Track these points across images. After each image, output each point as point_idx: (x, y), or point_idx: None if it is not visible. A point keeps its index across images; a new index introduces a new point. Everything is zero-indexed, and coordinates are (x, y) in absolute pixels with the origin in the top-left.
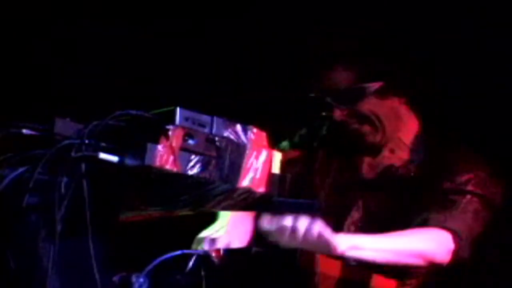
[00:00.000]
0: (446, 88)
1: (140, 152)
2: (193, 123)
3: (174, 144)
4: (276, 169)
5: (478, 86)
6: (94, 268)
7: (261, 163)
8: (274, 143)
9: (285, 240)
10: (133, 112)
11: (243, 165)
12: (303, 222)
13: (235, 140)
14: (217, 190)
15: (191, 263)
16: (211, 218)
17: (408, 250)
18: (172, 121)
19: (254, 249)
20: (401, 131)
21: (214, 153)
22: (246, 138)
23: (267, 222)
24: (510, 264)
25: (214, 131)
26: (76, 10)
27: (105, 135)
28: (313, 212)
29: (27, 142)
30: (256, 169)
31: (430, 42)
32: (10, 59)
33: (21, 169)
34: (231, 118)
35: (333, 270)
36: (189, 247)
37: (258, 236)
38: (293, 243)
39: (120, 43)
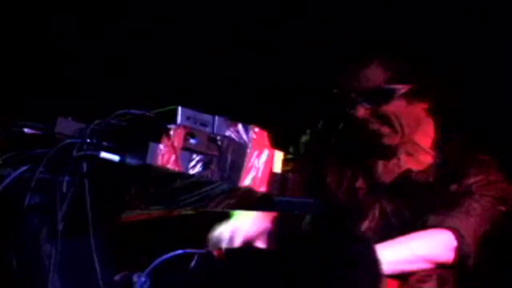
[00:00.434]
0: (467, 96)
1: (142, 151)
2: (195, 122)
3: (175, 144)
4: (277, 168)
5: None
6: (95, 268)
7: (263, 162)
8: (294, 139)
9: None
10: (135, 111)
11: (245, 164)
12: None
13: (237, 139)
14: (218, 189)
15: (193, 263)
16: (213, 218)
17: (410, 258)
18: (173, 120)
19: (255, 248)
20: (418, 135)
21: (215, 153)
22: (248, 137)
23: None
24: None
25: (215, 130)
26: (74, 8)
27: (106, 134)
28: (315, 211)
29: (29, 141)
30: (258, 169)
31: (462, 56)
32: (10, 58)
33: (22, 168)
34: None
35: None
36: (190, 247)
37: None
38: None
39: (121, 42)
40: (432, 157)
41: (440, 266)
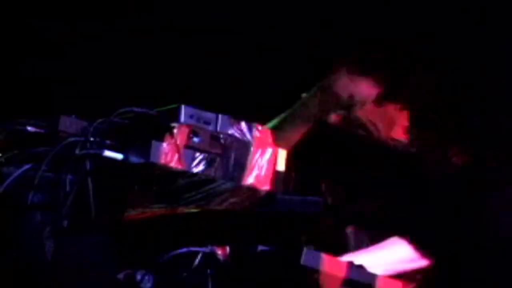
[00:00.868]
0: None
1: (145, 149)
2: (198, 120)
3: (178, 142)
4: (281, 166)
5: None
6: (99, 265)
7: (266, 160)
8: None
9: None
10: (138, 109)
11: (248, 162)
12: None
13: (240, 137)
14: (221, 188)
15: (197, 261)
16: (217, 216)
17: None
18: (176, 118)
19: (260, 247)
20: (394, 130)
21: (219, 151)
22: (251, 135)
23: None
24: None
25: (219, 128)
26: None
27: (109, 132)
28: (317, 209)
29: (32, 139)
30: (261, 167)
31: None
32: (12, 57)
33: (25, 167)
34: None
35: (338, 270)
36: (194, 245)
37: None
38: None
39: (123, 41)
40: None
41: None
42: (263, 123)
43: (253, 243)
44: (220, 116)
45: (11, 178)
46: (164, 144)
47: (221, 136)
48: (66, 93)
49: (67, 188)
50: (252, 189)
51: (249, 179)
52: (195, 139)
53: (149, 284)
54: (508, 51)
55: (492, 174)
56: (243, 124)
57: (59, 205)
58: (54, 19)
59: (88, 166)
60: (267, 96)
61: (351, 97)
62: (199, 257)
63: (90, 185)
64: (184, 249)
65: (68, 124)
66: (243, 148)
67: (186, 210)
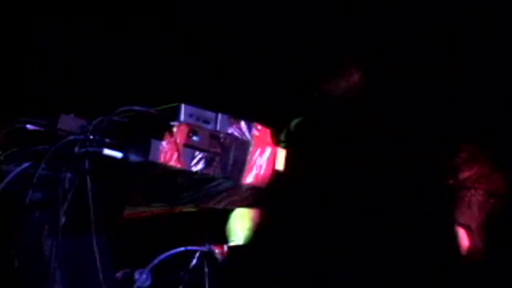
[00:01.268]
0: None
1: (144, 148)
2: (197, 119)
3: (178, 141)
4: (280, 166)
5: None
6: (97, 264)
7: (265, 160)
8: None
9: None
10: (138, 108)
11: (247, 161)
12: None
13: (240, 136)
14: (220, 186)
15: (194, 260)
16: (216, 215)
17: None
18: (176, 117)
19: (257, 246)
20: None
21: (218, 150)
22: (250, 134)
23: None
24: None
25: (218, 127)
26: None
27: (109, 131)
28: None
29: (31, 137)
30: (260, 166)
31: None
32: (14, 55)
33: (25, 165)
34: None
35: None
36: (192, 244)
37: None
38: None
39: (123, 40)
40: None
41: None
42: (263, 122)
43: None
44: (219, 115)
45: (10, 176)
46: (164, 143)
47: (221, 135)
48: (65, 92)
49: (66, 186)
50: (251, 188)
51: (248, 178)
52: (195, 138)
53: (147, 283)
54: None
55: None
56: (243, 123)
57: (58, 203)
58: (55, 18)
59: (87, 165)
60: (268, 96)
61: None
62: (196, 255)
63: (89, 184)
64: (182, 248)
65: (68, 122)
66: (242, 147)
67: (184, 209)
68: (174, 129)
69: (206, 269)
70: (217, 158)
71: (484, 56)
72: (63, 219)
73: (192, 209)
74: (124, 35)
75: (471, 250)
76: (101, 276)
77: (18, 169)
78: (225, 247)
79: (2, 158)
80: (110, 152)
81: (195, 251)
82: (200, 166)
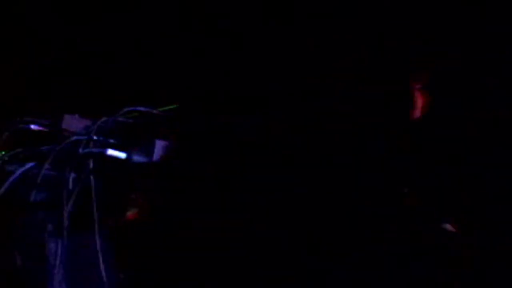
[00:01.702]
0: None
1: (148, 148)
2: None
3: None
4: None
5: None
6: (100, 264)
7: None
8: None
9: None
10: (142, 109)
11: None
12: None
13: None
14: None
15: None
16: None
17: None
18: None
19: None
20: None
21: None
22: None
23: None
24: None
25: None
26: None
27: (113, 131)
28: None
29: (35, 137)
30: None
31: None
32: (18, 55)
33: (29, 165)
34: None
35: None
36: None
37: None
38: None
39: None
40: None
41: None
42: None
43: None
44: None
45: (14, 176)
46: (168, 144)
47: None
48: (69, 92)
49: (70, 187)
50: None
51: None
52: None
53: None
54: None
55: None
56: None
57: (61, 204)
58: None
59: (91, 165)
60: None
61: None
62: None
63: (93, 184)
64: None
65: (72, 122)
66: None
67: None
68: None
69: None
70: None
71: None
72: (66, 220)
73: None
74: (127, 34)
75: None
76: (103, 276)
77: (22, 169)
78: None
79: (6, 158)
80: (113, 152)
81: None
82: None
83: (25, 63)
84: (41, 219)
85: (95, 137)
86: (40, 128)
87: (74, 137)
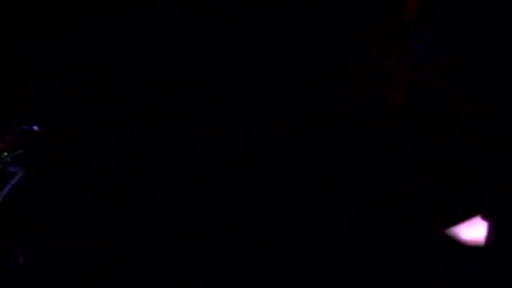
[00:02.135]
0: None
1: None
2: None
3: None
4: None
5: None
6: None
7: None
8: None
9: None
10: None
11: None
12: None
13: None
14: None
15: None
16: None
17: None
18: None
19: None
20: None
21: None
22: None
23: None
24: None
25: None
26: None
27: None
28: None
29: (38, 139)
30: None
31: None
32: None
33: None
34: None
35: None
36: None
37: None
38: None
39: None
40: None
41: None
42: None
43: None
44: None
45: (16, 177)
46: None
47: None
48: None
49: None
50: None
51: None
52: None
53: None
54: None
55: None
56: None
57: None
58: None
59: None
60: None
61: None
62: None
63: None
64: None
65: None
66: None
67: None
68: None
69: None
70: None
71: None
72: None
73: None
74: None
75: None
76: None
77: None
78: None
79: (8, 159)
80: None
81: None
82: None
83: (27, 64)
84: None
85: None
86: (43, 130)
87: None
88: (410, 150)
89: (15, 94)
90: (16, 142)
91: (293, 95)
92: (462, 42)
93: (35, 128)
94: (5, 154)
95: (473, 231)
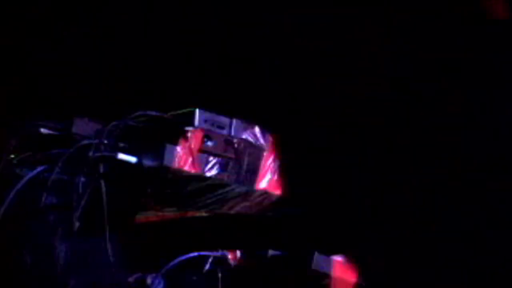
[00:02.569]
0: None
1: (159, 153)
2: (212, 124)
3: (192, 146)
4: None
5: None
6: (110, 268)
7: (279, 165)
8: None
9: None
10: (153, 113)
11: (261, 167)
12: None
13: (254, 142)
14: (234, 192)
15: (207, 265)
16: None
17: None
18: (191, 122)
19: (270, 252)
20: None
21: (232, 155)
22: (265, 140)
23: None
24: None
25: (232, 133)
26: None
27: (123, 135)
28: None
29: (46, 141)
30: (274, 172)
31: None
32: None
33: (39, 169)
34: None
35: (348, 275)
36: (205, 249)
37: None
38: None
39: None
40: None
41: None
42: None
43: (263, 247)
44: (234, 120)
45: (25, 179)
46: (178, 148)
47: (235, 140)
48: (79, 95)
49: (80, 190)
50: (263, 194)
51: (261, 184)
52: (209, 143)
53: (160, 287)
54: None
55: None
56: (257, 129)
57: (72, 207)
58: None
59: (101, 169)
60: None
61: None
62: (209, 261)
63: (103, 188)
64: (195, 253)
65: (82, 126)
66: (256, 152)
67: (197, 214)
68: (189, 134)
69: (219, 274)
70: (231, 164)
71: None
72: (76, 223)
73: (205, 214)
74: (137, 38)
75: None
76: (113, 280)
77: (33, 172)
78: (238, 253)
79: (16, 161)
80: (124, 156)
81: (208, 256)
82: (214, 172)
83: (34, 65)
84: (51, 222)
85: (105, 141)
86: (50, 132)
87: (85, 141)
88: (410, 150)
89: (22, 95)
90: (23, 144)
91: (293, 95)
92: None
93: (43, 130)
94: (12, 156)
95: None
